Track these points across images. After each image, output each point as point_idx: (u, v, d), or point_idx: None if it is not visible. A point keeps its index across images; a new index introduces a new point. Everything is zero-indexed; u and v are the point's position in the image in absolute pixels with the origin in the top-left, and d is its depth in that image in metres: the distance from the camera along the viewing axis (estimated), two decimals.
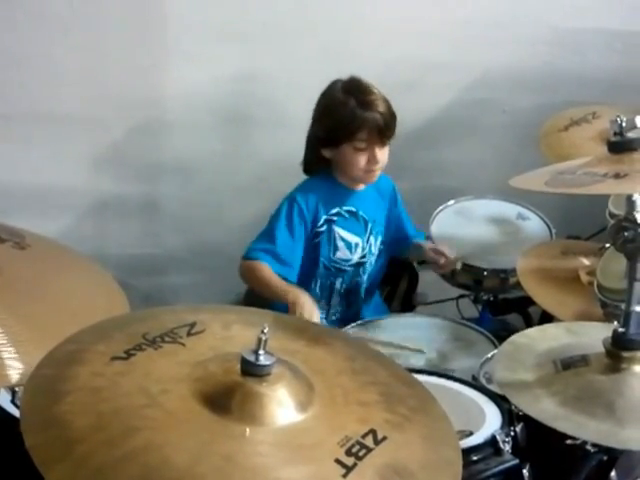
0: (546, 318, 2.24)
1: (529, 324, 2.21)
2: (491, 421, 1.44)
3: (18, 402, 1.51)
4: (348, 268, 2.08)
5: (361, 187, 2.08)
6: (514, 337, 1.33)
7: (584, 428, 1.08)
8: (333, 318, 2.12)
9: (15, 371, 1.22)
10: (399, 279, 2.37)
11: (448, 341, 1.89)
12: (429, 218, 2.29)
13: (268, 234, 2.00)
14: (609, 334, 1.24)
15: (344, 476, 0.93)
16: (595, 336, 1.27)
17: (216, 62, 2.22)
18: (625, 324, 1.16)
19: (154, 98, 2.25)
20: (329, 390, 1.09)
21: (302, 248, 2.03)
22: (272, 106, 2.35)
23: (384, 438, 1.01)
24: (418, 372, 1.56)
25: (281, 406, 1.01)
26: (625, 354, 1.16)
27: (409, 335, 1.90)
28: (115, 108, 2.23)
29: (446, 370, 1.75)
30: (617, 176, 1.10)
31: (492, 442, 1.35)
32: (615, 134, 1.18)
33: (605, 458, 1.27)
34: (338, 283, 2.10)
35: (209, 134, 2.35)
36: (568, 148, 2.10)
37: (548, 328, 1.37)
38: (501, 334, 2.03)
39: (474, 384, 1.60)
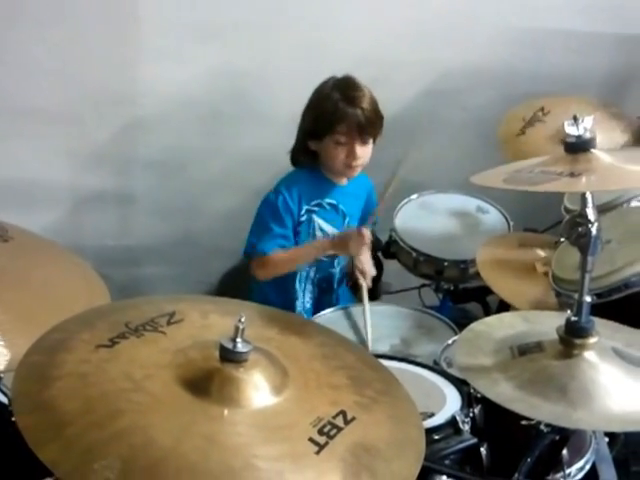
0: (503, 307, 2.34)
1: (487, 312, 2.31)
2: (451, 403, 1.53)
3: (3, 388, 1.56)
4: (324, 258, 2.15)
5: (344, 181, 2.16)
6: (473, 325, 1.41)
7: (539, 410, 1.16)
8: (307, 306, 2.20)
9: (2, 358, 1.27)
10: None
11: (411, 328, 1.98)
12: (393, 212, 2.38)
13: (262, 226, 2.08)
14: (562, 322, 1.32)
15: (317, 453, 1.00)
16: (549, 324, 1.35)
17: (190, 59, 2.26)
18: (577, 313, 1.25)
19: (130, 95, 2.28)
20: (302, 374, 1.16)
21: (292, 235, 2.10)
22: (245, 102, 2.39)
23: (353, 418, 1.08)
24: (383, 357, 1.65)
25: (257, 390, 1.08)
26: (577, 341, 1.24)
27: (376, 323, 1.98)
28: (92, 104, 2.25)
29: (409, 355, 1.84)
30: (572, 175, 1.18)
31: (452, 422, 1.44)
32: (570, 135, 1.26)
33: (557, 437, 1.36)
34: (312, 272, 2.17)
35: (184, 129, 2.39)
36: (528, 150, 2.15)
37: (505, 316, 1.45)
38: (461, 321, 2.12)
39: (435, 368, 1.68)
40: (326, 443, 1.02)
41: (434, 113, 2.54)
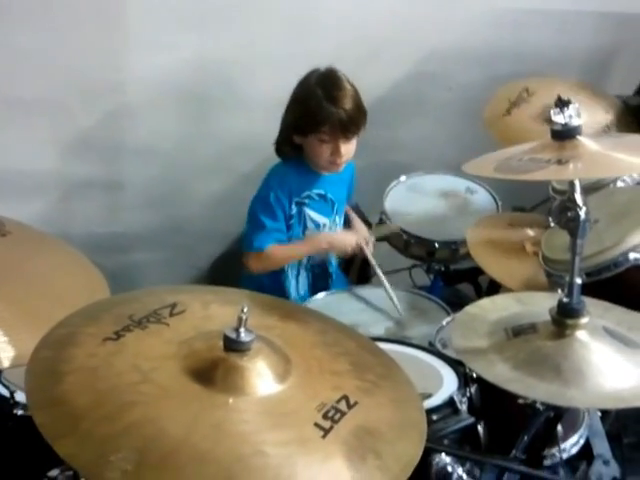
0: (493, 286, 2.38)
1: (479, 293, 2.35)
2: (448, 384, 1.57)
3: (4, 381, 1.58)
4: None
5: (326, 172, 2.18)
6: (468, 308, 1.44)
7: (534, 389, 1.20)
8: (302, 292, 2.23)
9: (6, 354, 1.28)
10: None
11: (405, 310, 2.02)
12: (382, 193, 2.41)
13: (256, 223, 2.12)
14: (554, 303, 1.36)
15: (323, 437, 1.03)
16: (541, 305, 1.39)
17: (176, 46, 2.26)
18: (569, 294, 1.28)
19: (117, 82, 2.29)
20: (304, 361, 1.18)
21: (285, 228, 2.14)
22: (232, 87, 2.40)
23: (356, 403, 1.11)
24: (379, 340, 1.68)
25: (262, 377, 1.10)
26: (569, 321, 1.28)
27: (370, 306, 2.02)
28: (78, 93, 2.25)
29: (404, 338, 1.88)
30: (559, 162, 1.21)
31: (450, 403, 1.49)
32: (556, 123, 1.29)
33: (552, 414, 1.41)
34: (305, 260, 2.20)
35: (171, 116, 2.40)
36: (514, 131, 2.22)
37: (498, 299, 1.48)
38: (452, 301, 2.18)
39: (431, 350, 1.72)
40: (331, 427, 1.05)
41: (420, 93, 2.56)
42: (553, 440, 1.59)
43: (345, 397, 1.12)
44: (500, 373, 1.24)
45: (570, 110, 1.29)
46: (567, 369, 1.23)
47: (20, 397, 1.56)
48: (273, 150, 2.41)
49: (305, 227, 2.18)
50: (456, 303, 2.18)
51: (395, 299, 2.02)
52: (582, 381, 1.21)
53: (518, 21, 2.52)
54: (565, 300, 1.29)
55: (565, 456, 1.61)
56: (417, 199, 2.41)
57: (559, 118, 1.28)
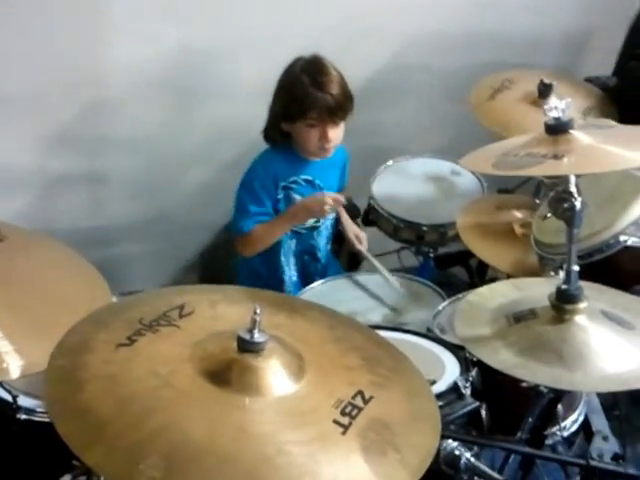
0: (482, 268, 2.43)
1: (471, 275, 2.39)
2: (450, 369, 1.60)
3: (7, 386, 1.58)
4: (303, 231, 2.20)
5: (315, 158, 2.19)
6: (468, 296, 1.47)
7: (539, 374, 1.24)
8: (294, 279, 2.25)
9: (15, 363, 1.28)
10: (343, 236, 2.51)
11: (400, 296, 2.05)
12: (369, 178, 2.43)
13: (241, 208, 2.14)
14: (550, 289, 1.39)
15: (343, 434, 1.06)
16: (539, 291, 1.43)
17: (155, 36, 2.24)
18: (567, 281, 1.32)
19: (97, 75, 2.26)
20: (317, 358, 1.20)
21: (272, 213, 2.16)
22: (213, 76, 2.39)
23: (371, 397, 1.13)
24: (378, 328, 1.70)
25: (277, 377, 1.12)
26: (568, 307, 1.31)
27: (366, 293, 2.05)
28: (59, 87, 2.22)
29: (401, 324, 1.91)
30: (556, 157, 1.24)
31: (455, 388, 1.52)
32: (549, 118, 1.31)
33: (553, 395, 1.45)
34: (293, 244, 2.23)
35: (153, 107, 2.38)
36: (500, 113, 2.28)
37: (497, 286, 1.51)
38: (442, 281, 2.22)
39: (431, 336, 1.75)
40: (350, 423, 1.07)
41: (402, 80, 2.57)
42: (553, 419, 1.64)
43: (360, 392, 1.14)
44: (504, 359, 1.28)
45: (562, 104, 1.31)
46: (569, 353, 1.26)
47: (23, 401, 1.56)
48: (257, 137, 2.41)
49: None
50: (446, 283, 2.23)
51: (388, 275, 2.07)
52: (584, 365, 1.25)
53: (498, 6, 2.54)
54: (564, 287, 1.32)
55: (565, 434, 1.67)
56: (404, 183, 2.43)
57: (552, 112, 1.30)
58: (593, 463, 1.49)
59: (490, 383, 1.62)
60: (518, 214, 2.09)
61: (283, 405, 1.10)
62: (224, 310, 1.29)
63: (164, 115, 2.42)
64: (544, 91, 2.21)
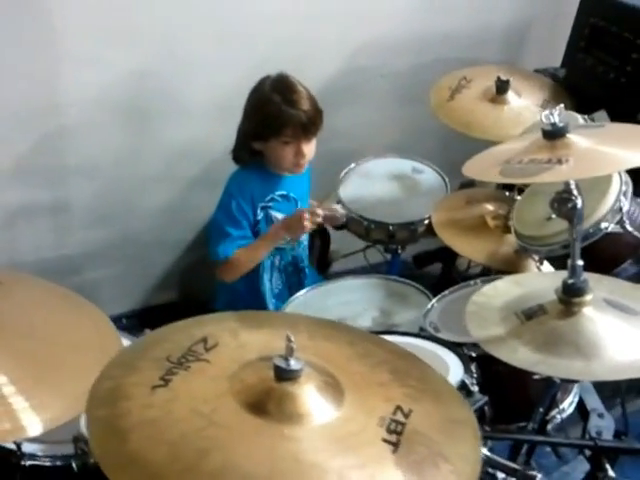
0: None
1: (449, 270, 2.44)
2: (454, 367, 1.63)
3: None
4: (286, 246, 2.21)
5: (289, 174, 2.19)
6: (474, 297, 1.50)
7: (561, 368, 1.28)
8: (276, 292, 2.25)
9: (35, 420, 1.24)
10: (312, 240, 2.52)
11: (385, 298, 2.07)
12: (333, 182, 2.44)
13: (220, 232, 2.11)
14: (548, 282, 1.45)
15: (394, 452, 1.07)
16: (539, 285, 1.48)
17: (109, 62, 2.20)
18: (572, 275, 1.37)
19: (53, 105, 2.20)
20: (348, 378, 1.20)
21: (251, 234, 2.15)
22: (168, 97, 2.36)
23: (410, 411, 1.14)
24: (375, 333, 1.72)
25: (318, 403, 1.12)
26: (576, 300, 1.36)
27: (351, 298, 2.06)
28: (15, 119, 2.16)
29: (392, 326, 1.93)
30: (560, 162, 1.29)
31: (463, 386, 1.55)
32: (546, 123, 1.35)
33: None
34: (277, 260, 2.23)
35: (111, 132, 2.34)
36: (461, 113, 2.33)
37: (498, 284, 1.55)
38: (414, 275, 2.26)
39: (426, 335, 1.78)
40: (398, 440, 1.08)
41: (357, 84, 2.61)
42: (552, 403, 1.71)
43: (399, 407, 1.15)
44: (525, 358, 1.31)
45: (557, 110, 1.36)
46: (584, 345, 1.31)
47: (27, 448, 1.52)
48: (215, 153, 2.42)
49: None
50: (419, 277, 2.28)
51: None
52: (600, 354, 1.30)
53: (443, 8, 2.59)
54: (570, 281, 1.37)
55: (564, 416, 1.73)
56: (369, 184, 2.46)
57: (548, 118, 1.35)
58: (600, 443, 1.56)
59: (488, 375, 1.67)
60: (489, 207, 2.15)
61: (329, 431, 1.10)
62: (247, 338, 1.28)
63: (122, 139, 2.39)
64: (501, 87, 2.28)
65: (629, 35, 2.12)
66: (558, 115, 1.34)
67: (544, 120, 1.34)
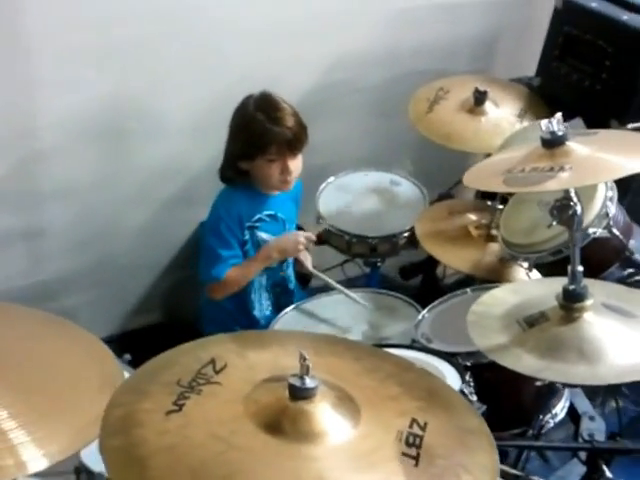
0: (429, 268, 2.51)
1: (434, 281, 2.46)
2: (451, 377, 1.65)
3: None
4: (273, 265, 2.19)
5: (277, 192, 2.19)
6: (473, 307, 1.52)
7: (567, 374, 1.30)
8: (267, 313, 2.23)
9: (38, 455, 1.18)
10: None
11: (373, 311, 2.08)
12: (313, 196, 2.44)
13: (211, 255, 2.11)
14: (545, 289, 1.47)
15: (415, 465, 1.07)
16: (535, 292, 1.50)
17: (85, 84, 2.17)
18: (572, 281, 1.39)
19: (28, 129, 2.17)
20: (360, 393, 1.19)
21: (241, 254, 2.14)
22: (144, 119, 2.34)
23: (426, 423, 1.14)
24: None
25: (336, 421, 1.11)
26: (577, 305, 1.39)
27: (338, 313, 2.06)
28: None
29: (383, 339, 1.94)
30: (562, 170, 1.31)
31: (463, 395, 1.56)
32: (545, 132, 1.37)
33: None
34: (264, 280, 2.21)
35: (88, 154, 2.30)
36: (440, 125, 2.35)
37: (496, 293, 1.57)
38: (394, 285, 2.28)
39: (419, 347, 1.79)
40: (418, 454, 1.08)
41: (333, 99, 2.62)
42: (545, 409, 1.73)
43: (414, 420, 1.14)
44: (530, 365, 1.33)
45: (555, 119, 1.38)
46: (588, 349, 1.33)
47: None
48: (192, 173, 2.40)
49: (260, 249, 2.18)
50: (400, 287, 2.30)
51: (352, 294, 2.10)
52: (604, 358, 1.32)
53: (412, 20, 2.62)
54: (571, 287, 1.39)
55: (557, 421, 1.76)
56: (348, 198, 2.47)
57: (547, 127, 1.36)
58: (597, 445, 1.58)
59: (481, 383, 1.68)
60: (471, 216, 2.18)
61: (348, 448, 1.09)
62: (254, 358, 1.27)
63: (98, 162, 2.35)
64: (479, 98, 2.31)
65: (603, 43, 2.17)
66: (557, 124, 1.36)
67: (543, 129, 1.36)
